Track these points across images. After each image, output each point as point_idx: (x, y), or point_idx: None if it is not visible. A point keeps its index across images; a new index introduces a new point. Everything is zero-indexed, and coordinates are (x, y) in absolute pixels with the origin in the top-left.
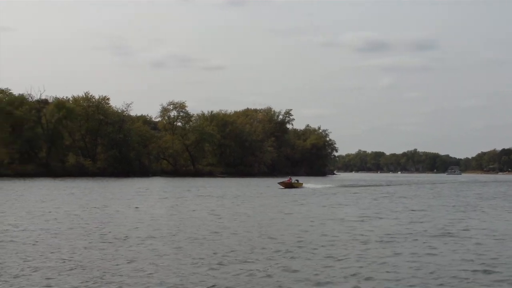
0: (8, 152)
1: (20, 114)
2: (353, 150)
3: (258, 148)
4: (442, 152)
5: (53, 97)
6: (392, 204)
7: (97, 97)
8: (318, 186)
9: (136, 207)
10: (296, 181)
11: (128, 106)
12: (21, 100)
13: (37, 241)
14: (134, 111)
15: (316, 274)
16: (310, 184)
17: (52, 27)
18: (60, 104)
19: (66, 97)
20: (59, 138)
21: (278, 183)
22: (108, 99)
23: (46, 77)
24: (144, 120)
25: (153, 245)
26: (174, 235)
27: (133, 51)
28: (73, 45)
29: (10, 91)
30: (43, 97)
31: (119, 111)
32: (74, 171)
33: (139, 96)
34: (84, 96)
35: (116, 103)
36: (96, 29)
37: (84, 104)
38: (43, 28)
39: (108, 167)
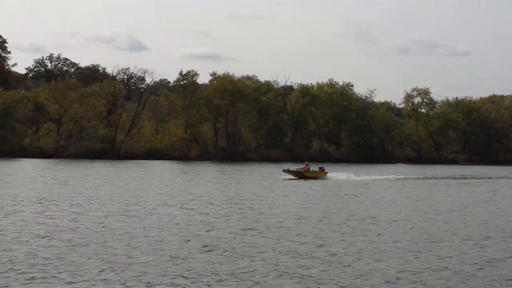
0: (255, 137)
1: (267, 100)
2: None
3: (504, 135)
4: None
5: (297, 83)
6: None
7: (341, 83)
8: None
9: None
10: (320, 169)
11: (372, 92)
12: (267, 87)
13: None
14: (378, 98)
15: None
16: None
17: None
18: (304, 90)
19: (311, 83)
20: (303, 124)
21: (284, 170)
22: (351, 85)
23: (290, 64)
24: (387, 107)
25: None
26: None
27: (378, 37)
28: (322, 33)
29: (257, 78)
30: (288, 83)
31: (363, 97)
32: (318, 156)
33: (382, 82)
34: (328, 82)
35: (359, 90)
36: (344, 15)
37: (328, 91)
38: (297, 16)
39: (352, 153)
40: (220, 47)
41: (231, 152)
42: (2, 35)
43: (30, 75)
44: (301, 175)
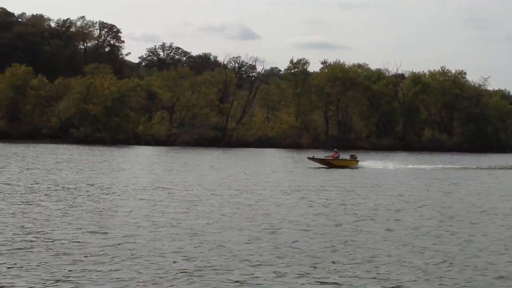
0: (366, 126)
1: (378, 88)
2: None
3: None
4: None
5: (409, 71)
6: None
7: (453, 71)
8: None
9: None
10: (351, 157)
11: (485, 80)
12: (378, 75)
13: None
14: (492, 86)
15: None
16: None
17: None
18: (416, 78)
19: (422, 71)
20: (415, 112)
21: (309, 158)
22: (464, 73)
23: (401, 51)
24: (502, 95)
25: None
26: None
27: (491, 24)
28: (433, 19)
29: (368, 66)
30: (399, 71)
31: (476, 85)
32: (430, 145)
33: (497, 70)
34: (440, 70)
35: (472, 78)
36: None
37: (440, 79)
38: (408, 3)
39: (465, 142)
40: (331, 36)
41: (342, 140)
42: (116, 25)
43: (143, 64)
44: (327, 163)
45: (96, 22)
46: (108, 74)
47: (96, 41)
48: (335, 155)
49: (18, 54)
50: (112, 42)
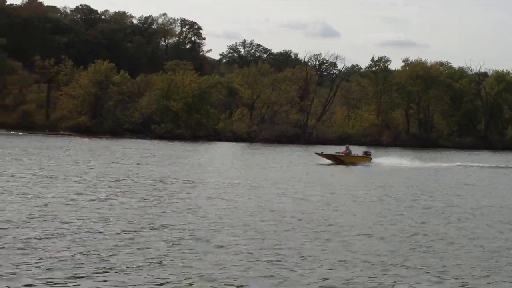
0: (448, 124)
1: (460, 87)
2: None
3: None
4: None
5: (492, 70)
6: None
7: None
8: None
9: None
10: (365, 154)
11: None
12: (461, 73)
13: None
14: None
15: None
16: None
17: None
18: (500, 77)
19: (506, 70)
20: (498, 111)
21: (317, 153)
22: None
23: (484, 50)
24: None
25: None
26: None
27: None
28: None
29: (450, 64)
30: (482, 70)
31: None
32: None
33: None
34: None
35: None
36: None
37: None
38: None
39: None
40: (411, 34)
41: (423, 139)
42: (197, 22)
43: (224, 60)
44: (337, 160)
45: (178, 19)
46: (189, 71)
47: (177, 38)
48: (347, 151)
49: (101, 51)
50: (193, 39)
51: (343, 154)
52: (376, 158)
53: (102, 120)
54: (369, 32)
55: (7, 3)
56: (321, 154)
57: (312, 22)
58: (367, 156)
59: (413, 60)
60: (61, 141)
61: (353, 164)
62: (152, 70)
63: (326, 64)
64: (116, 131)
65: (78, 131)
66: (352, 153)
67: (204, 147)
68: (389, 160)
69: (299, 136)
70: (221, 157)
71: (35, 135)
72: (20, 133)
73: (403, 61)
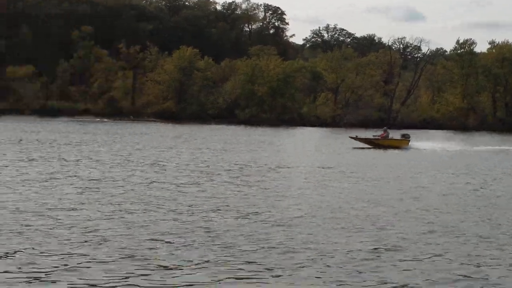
0: None
1: None
2: None
3: None
4: None
5: None
6: None
7: None
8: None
9: None
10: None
11: None
12: None
13: None
14: None
15: None
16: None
17: None
18: None
19: None
20: None
21: (351, 137)
22: None
23: None
24: None
25: None
26: None
27: None
28: None
29: None
30: None
31: None
32: None
33: None
34: None
35: None
36: None
37: None
38: None
39: None
40: (497, 15)
41: (510, 123)
42: (281, 8)
43: (307, 45)
44: (373, 143)
45: (261, 4)
46: (273, 56)
47: (261, 23)
48: (384, 134)
49: (185, 37)
50: (276, 24)
51: (379, 138)
52: (416, 141)
53: (187, 106)
54: (454, 15)
55: None
56: (356, 138)
57: (396, 5)
58: (405, 139)
59: (500, 42)
60: (146, 127)
61: (392, 147)
62: (236, 55)
63: (410, 48)
64: (201, 117)
65: (163, 116)
66: (390, 136)
67: (291, 132)
68: (427, 144)
69: (383, 120)
70: (312, 142)
71: (120, 121)
72: (105, 119)
73: (489, 43)
